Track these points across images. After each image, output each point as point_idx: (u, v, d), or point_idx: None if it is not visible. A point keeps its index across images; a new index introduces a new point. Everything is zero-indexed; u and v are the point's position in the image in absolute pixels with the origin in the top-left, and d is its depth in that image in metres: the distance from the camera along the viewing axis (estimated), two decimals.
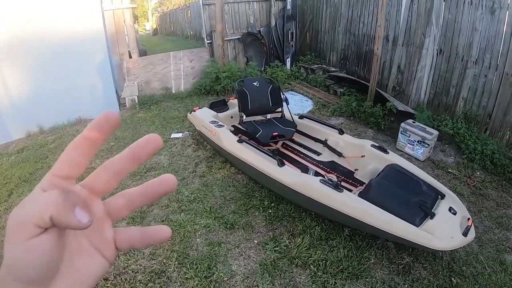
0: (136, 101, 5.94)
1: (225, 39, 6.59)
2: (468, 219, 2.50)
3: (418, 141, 4.07)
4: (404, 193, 2.66)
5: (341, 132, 3.72)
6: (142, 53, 6.91)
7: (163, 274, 2.58)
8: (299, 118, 4.13)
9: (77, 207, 0.28)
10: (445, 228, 2.37)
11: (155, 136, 0.34)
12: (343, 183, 3.27)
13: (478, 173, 3.83)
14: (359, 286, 2.47)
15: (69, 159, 0.32)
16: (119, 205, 0.36)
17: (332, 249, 2.77)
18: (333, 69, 6.68)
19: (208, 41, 6.75)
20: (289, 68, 7.26)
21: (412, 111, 4.60)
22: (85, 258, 0.34)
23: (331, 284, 2.46)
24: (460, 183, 3.68)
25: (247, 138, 3.55)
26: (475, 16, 4.04)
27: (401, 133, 4.27)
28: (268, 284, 2.47)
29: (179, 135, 4.89)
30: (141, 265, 2.66)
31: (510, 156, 3.82)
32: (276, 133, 3.76)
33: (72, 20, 5.18)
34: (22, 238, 0.28)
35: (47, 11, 5.00)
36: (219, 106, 4.78)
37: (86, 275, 0.33)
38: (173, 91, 6.65)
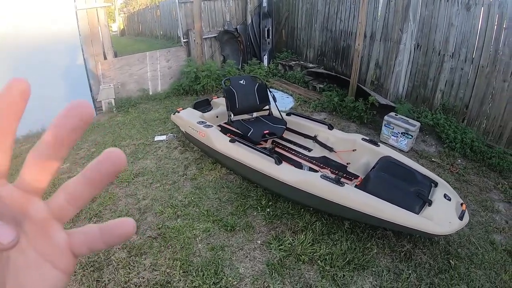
0: (113, 104, 5.71)
1: (202, 37, 6.49)
2: (462, 204, 2.65)
3: (401, 133, 4.22)
4: (401, 183, 2.76)
5: (330, 127, 3.78)
6: (113, 55, 6.65)
7: (169, 285, 2.49)
8: (287, 115, 4.15)
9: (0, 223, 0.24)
10: (443, 214, 2.50)
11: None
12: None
13: (459, 160, 4.04)
14: (366, 276, 2.54)
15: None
16: (61, 201, 0.29)
17: (335, 242, 2.82)
18: (310, 65, 6.76)
19: (185, 40, 6.61)
20: (266, 65, 7.26)
21: (393, 104, 4.76)
22: (34, 273, 0.28)
23: (340, 277, 2.51)
24: (444, 171, 3.87)
25: (238, 138, 3.52)
26: (451, 12, 4.25)
27: (384, 125, 4.41)
28: (279, 283, 2.47)
29: (163, 137, 4.76)
30: (143, 278, 2.56)
31: (488, 143, 4.06)
32: (267, 131, 3.75)
33: (43, 21, 4.89)
34: None
35: (16, 11, 4.69)
36: (203, 106, 4.70)
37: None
38: (150, 93, 6.47)
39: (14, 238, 0.24)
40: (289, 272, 2.57)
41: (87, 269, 2.61)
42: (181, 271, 2.58)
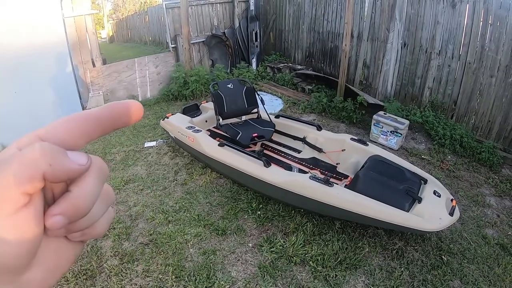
0: None
1: (190, 42, 6.48)
2: (452, 200, 2.66)
3: (391, 132, 4.23)
4: (390, 182, 2.75)
5: (319, 128, 3.78)
6: (102, 62, 6.61)
7: None
8: (275, 117, 4.15)
9: (67, 151, 0.24)
10: (433, 210, 2.50)
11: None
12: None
13: (450, 157, 4.06)
14: (359, 275, 2.53)
15: (67, 129, 0.26)
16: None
17: (326, 243, 2.81)
18: (299, 67, 6.78)
19: (173, 45, 6.59)
20: (255, 68, 7.27)
21: (381, 103, 4.78)
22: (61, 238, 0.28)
23: (332, 277, 2.50)
24: (434, 168, 3.89)
25: (227, 142, 3.51)
26: (437, 10, 4.30)
27: (374, 125, 4.42)
28: (271, 286, 2.45)
29: (153, 143, 4.73)
30: (136, 284, 2.53)
31: (477, 138, 4.09)
32: (256, 134, 3.74)
33: (30, 30, 4.84)
34: (2, 214, 0.22)
35: (2, 21, 4.63)
36: (192, 110, 4.68)
37: (64, 258, 0.29)
38: (140, 99, 6.43)
39: (89, 159, 0.26)
40: (281, 274, 2.55)
41: (79, 278, 2.58)
42: (173, 277, 2.56)
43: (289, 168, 3.57)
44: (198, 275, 2.55)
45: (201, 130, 3.74)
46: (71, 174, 0.25)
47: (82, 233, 0.29)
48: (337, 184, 3.14)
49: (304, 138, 3.84)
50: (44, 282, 0.27)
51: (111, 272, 2.63)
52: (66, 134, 0.26)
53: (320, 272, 2.53)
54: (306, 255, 2.68)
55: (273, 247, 2.78)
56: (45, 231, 0.25)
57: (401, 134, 4.17)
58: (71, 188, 0.26)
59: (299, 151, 3.85)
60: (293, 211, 3.15)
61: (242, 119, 4.23)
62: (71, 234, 0.28)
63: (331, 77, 5.66)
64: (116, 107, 0.29)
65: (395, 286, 2.43)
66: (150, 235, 3.01)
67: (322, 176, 2.96)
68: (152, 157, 4.38)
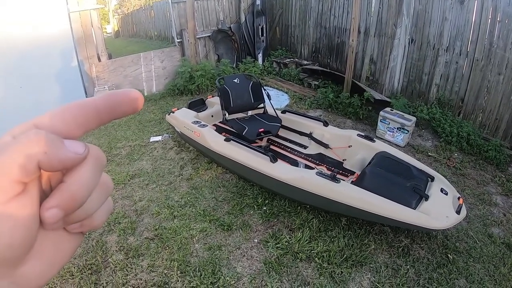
0: None
1: (196, 37, 6.46)
2: (459, 198, 2.64)
3: (397, 128, 4.21)
4: (397, 179, 2.74)
5: (325, 124, 3.76)
6: (108, 56, 6.63)
7: (166, 286, 2.48)
8: (282, 112, 4.13)
9: (64, 140, 0.24)
10: (440, 208, 2.48)
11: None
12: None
13: (456, 154, 4.03)
14: (364, 272, 2.53)
15: (63, 118, 0.26)
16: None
17: (332, 239, 2.81)
18: (305, 62, 6.75)
19: (178, 40, 6.58)
20: (261, 63, 7.24)
21: (388, 99, 4.75)
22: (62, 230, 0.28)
23: (337, 274, 2.50)
24: (441, 165, 3.86)
25: (233, 136, 3.50)
26: (444, 6, 4.24)
27: (380, 121, 4.39)
28: (276, 282, 2.46)
29: (159, 138, 4.74)
30: (141, 279, 2.54)
31: (484, 136, 4.06)
32: (262, 129, 3.74)
33: (35, 25, 4.85)
34: None
35: (7, 16, 4.64)
36: (198, 105, 4.68)
37: (64, 250, 0.28)
38: (145, 93, 6.44)
39: (86, 148, 0.25)
40: (287, 270, 2.55)
41: (84, 272, 2.60)
42: (178, 272, 2.57)
43: (295, 163, 3.56)
44: (203, 271, 2.56)
45: (207, 125, 3.74)
46: (67, 163, 0.24)
47: (81, 224, 0.28)
48: (344, 180, 3.13)
49: (311, 133, 3.83)
50: (43, 275, 0.27)
51: (116, 267, 2.64)
52: (62, 123, 0.26)
53: (326, 269, 2.54)
54: (312, 252, 2.68)
55: (278, 243, 2.78)
56: (43, 225, 0.25)
57: (408, 131, 4.15)
58: (65, 178, 0.25)
59: (305, 147, 3.85)
60: (299, 207, 3.15)
61: (249, 114, 4.22)
62: (69, 226, 0.28)
63: (337, 73, 5.63)
64: (114, 96, 0.28)
65: (400, 284, 2.42)
66: (155, 230, 3.02)
67: (329, 172, 2.96)
68: (157, 151, 4.39)
